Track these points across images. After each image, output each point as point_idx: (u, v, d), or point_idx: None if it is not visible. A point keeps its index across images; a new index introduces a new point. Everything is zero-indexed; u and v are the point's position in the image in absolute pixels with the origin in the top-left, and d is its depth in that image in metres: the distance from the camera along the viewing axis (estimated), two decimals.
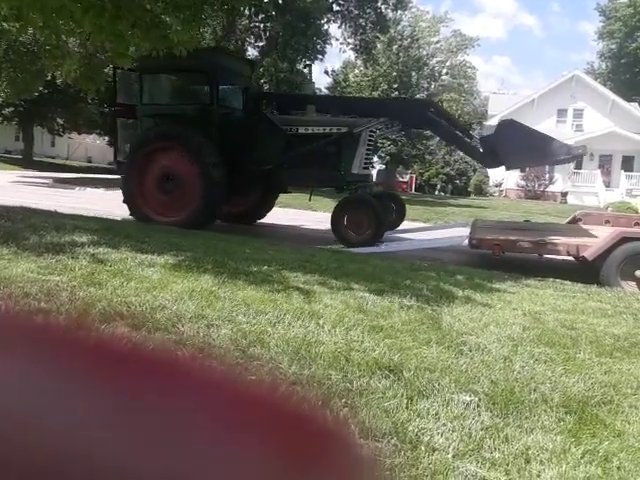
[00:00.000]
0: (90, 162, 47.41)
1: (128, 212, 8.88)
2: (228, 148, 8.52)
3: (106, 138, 45.31)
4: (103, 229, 6.38)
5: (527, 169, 27.36)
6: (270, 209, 10.53)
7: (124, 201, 8.91)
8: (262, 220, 10.39)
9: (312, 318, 3.62)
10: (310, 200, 10.80)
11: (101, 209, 10.20)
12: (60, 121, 38.39)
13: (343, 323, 3.61)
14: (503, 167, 9.26)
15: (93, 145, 53.89)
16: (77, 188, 17.54)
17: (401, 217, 10.12)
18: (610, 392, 2.89)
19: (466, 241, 7.43)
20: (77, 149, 49.71)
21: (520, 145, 8.06)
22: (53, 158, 40.57)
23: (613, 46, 33.62)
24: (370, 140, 8.86)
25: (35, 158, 35.33)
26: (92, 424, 0.27)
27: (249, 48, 27.70)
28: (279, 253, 6.05)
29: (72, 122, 38.05)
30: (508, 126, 8.65)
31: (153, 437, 0.27)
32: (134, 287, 3.93)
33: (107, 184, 19.27)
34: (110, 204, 12.35)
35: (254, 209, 10.10)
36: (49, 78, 21.72)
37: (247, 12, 24.51)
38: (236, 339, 3.10)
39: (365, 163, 8.95)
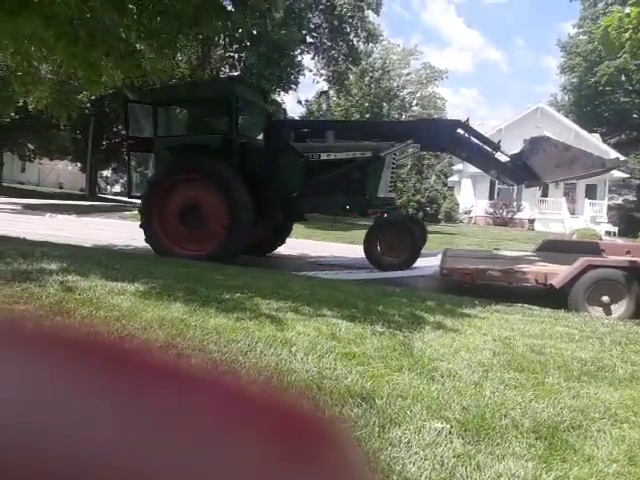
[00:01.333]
0: (61, 188, 46.72)
1: (144, 241, 8.68)
2: (250, 178, 8.43)
3: (78, 164, 44.87)
4: (73, 256, 6.26)
5: (495, 197, 28.06)
6: (284, 240, 10.33)
7: (145, 236, 8.66)
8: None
9: (284, 346, 3.60)
10: (332, 227, 10.94)
11: (72, 236, 10.03)
12: (31, 147, 37.90)
13: (315, 350, 3.59)
14: (522, 185, 9.43)
15: (64, 171, 53.22)
16: (48, 214, 17.23)
17: (423, 242, 9.82)
18: (579, 417, 2.93)
19: (437, 270, 7.55)
20: (48, 175, 48.99)
21: (557, 159, 8.16)
22: (23, 184, 39.86)
23: (574, 80, 35.04)
24: (393, 162, 8.88)
25: (4, 184, 34.64)
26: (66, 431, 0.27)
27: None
28: (252, 279, 6.02)
29: (44, 148, 37.62)
30: (544, 141, 8.68)
31: (130, 440, 0.27)
32: (103, 316, 3.85)
33: (78, 210, 18.98)
34: (82, 230, 12.14)
35: (268, 240, 9.90)
36: (20, 104, 21.48)
37: (222, 42, 24.84)
38: (206, 369, 3.05)
39: (390, 186, 8.97)
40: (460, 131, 8.75)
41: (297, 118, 36.90)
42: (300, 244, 12.95)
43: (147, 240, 8.69)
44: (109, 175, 67.37)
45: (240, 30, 23.16)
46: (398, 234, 8.22)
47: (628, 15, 5.74)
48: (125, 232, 13.01)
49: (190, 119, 10.13)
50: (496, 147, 8.92)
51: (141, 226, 8.78)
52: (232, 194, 8.16)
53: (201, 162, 8.37)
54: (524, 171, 8.47)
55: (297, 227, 13.32)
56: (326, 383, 3.04)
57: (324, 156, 8.61)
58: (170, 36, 7.93)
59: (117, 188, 71.60)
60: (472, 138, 8.78)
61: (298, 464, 0.29)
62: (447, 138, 8.60)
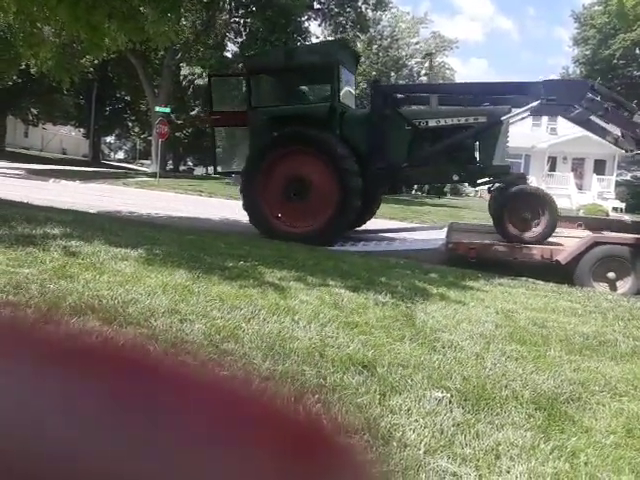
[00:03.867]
0: (65, 154, 46.57)
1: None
2: (354, 148, 7.93)
3: (81, 130, 44.61)
4: (76, 222, 6.26)
5: None
6: (374, 213, 9.67)
7: (250, 217, 8.19)
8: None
9: (287, 314, 3.61)
10: (440, 198, 10.23)
11: (76, 201, 10.01)
12: (34, 111, 37.64)
13: (318, 319, 3.60)
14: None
15: (68, 137, 52.96)
16: (51, 180, 17.18)
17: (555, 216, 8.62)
18: (579, 389, 2.94)
19: (443, 244, 7.51)
20: (51, 140, 48.77)
21: None
22: (27, 149, 39.71)
23: (587, 52, 34.32)
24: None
25: (8, 149, 34.52)
26: (61, 426, 0.26)
27: (228, 43, 27.54)
28: (256, 249, 6.02)
29: (47, 113, 37.38)
30: None
31: (123, 436, 0.26)
32: (106, 281, 3.86)
33: (82, 176, 18.93)
34: (85, 197, 12.13)
35: (359, 214, 8.89)
36: (23, 67, 21.22)
37: (227, 7, 24.34)
38: (209, 334, 3.07)
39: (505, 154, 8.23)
40: (593, 92, 7.72)
41: None
42: None
43: (253, 221, 8.17)
44: (112, 141, 66.97)
45: None
46: (529, 205, 7.29)
47: None
48: (129, 199, 13.00)
49: (288, 88, 9.24)
50: (633, 109, 7.96)
51: (245, 206, 8.22)
52: (343, 165, 7.68)
53: (309, 132, 7.81)
54: None
55: None
56: (328, 351, 3.06)
57: (432, 122, 7.94)
58: None
59: (120, 155, 71.37)
60: (605, 103, 7.67)
61: (277, 462, 0.27)
62: (579, 99, 7.57)
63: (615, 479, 2.07)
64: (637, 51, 31.98)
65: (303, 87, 9.39)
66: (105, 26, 7.69)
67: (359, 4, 26.06)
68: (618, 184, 29.97)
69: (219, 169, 9.64)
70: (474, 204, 23.41)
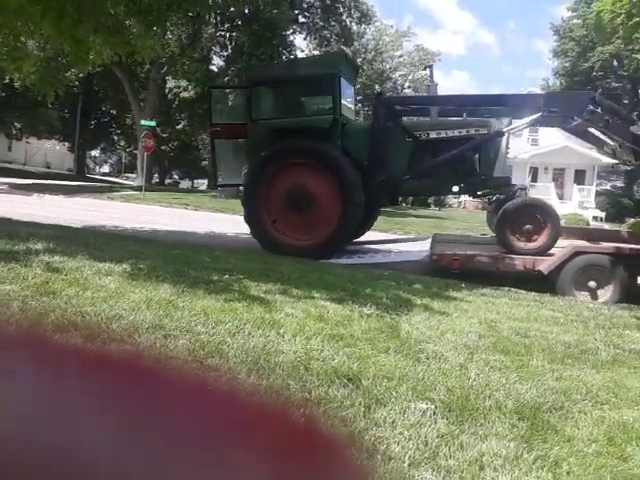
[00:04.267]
0: (49, 168, 46.11)
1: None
2: (356, 160, 7.93)
3: (66, 144, 44.28)
4: (59, 237, 6.21)
5: None
6: (372, 225, 9.69)
7: (252, 230, 8.16)
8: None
9: (272, 327, 3.61)
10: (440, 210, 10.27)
11: (60, 216, 9.93)
12: (18, 125, 37.28)
13: (303, 332, 3.60)
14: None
15: (52, 150, 52.49)
16: (35, 194, 17.03)
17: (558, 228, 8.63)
18: (561, 398, 2.98)
19: (426, 256, 7.57)
20: (36, 154, 48.28)
21: None
22: (10, 163, 39.27)
23: (567, 64, 34.97)
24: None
25: None
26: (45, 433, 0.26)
27: (214, 57, 27.65)
28: (241, 262, 6.02)
29: (31, 126, 37.06)
30: None
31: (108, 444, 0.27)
32: (90, 296, 3.84)
33: (66, 191, 18.78)
34: (69, 211, 12.03)
35: (358, 226, 8.91)
36: (7, 81, 21.09)
37: (213, 20, 24.47)
38: (194, 350, 3.06)
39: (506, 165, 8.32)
40: (594, 104, 7.72)
41: None
42: None
43: (255, 234, 8.12)
44: (97, 155, 66.58)
45: (232, 8, 22.84)
46: (532, 217, 7.30)
47: (620, 0, 5.72)
48: (114, 213, 12.92)
49: (289, 100, 9.26)
50: (632, 120, 8.04)
51: (247, 219, 8.16)
52: (345, 177, 7.67)
53: (311, 145, 7.79)
54: None
55: None
56: (313, 364, 3.06)
57: (434, 134, 7.99)
58: (159, 13, 7.77)
59: (105, 168, 70.91)
60: (605, 115, 7.72)
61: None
62: (580, 111, 7.53)
63: None
64: (615, 63, 32.68)
65: (304, 99, 9.45)
66: (90, 40, 7.69)
67: (343, 18, 26.36)
68: (598, 194, 30.45)
69: (219, 181, 9.62)
70: (457, 215, 23.64)
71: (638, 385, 3.31)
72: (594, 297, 6.51)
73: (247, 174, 8.39)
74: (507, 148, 8.13)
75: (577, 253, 6.65)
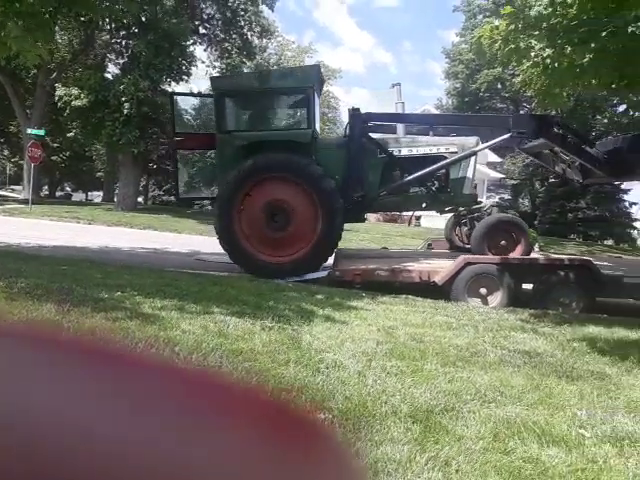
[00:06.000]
0: None
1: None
2: (332, 175, 7.74)
3: None
4: None
5: None
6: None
7: (228, 250, 7.75)
8: (119, 245, 9.78)
9: (167, 345, 3.45)
10: (410, 225, 9.96)
11: None
12: None
13: (201, 349, 3.48)
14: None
15: None
16: None
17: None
18: (452, 399, 3.11)
19: (329, 271, 7.67)
20: None
21: None
22: None
23: (457, 85, 37.39)
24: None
25: None
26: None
27: (109, 64, 26.45)
28: (136, 277, 5.73)
29: None
30: None
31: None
32: None
33: None
34: None
35: None
36: None
37: (107, 27, 23.43)
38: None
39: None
40: (557, 126, 8.24)
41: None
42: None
43: (234, 258, 7.78)
44: None
45: (127, 16, 22.02)
46: (507, 233, 7.73)
47: (497, 27, 6.20)
48: None
49: (260, 111, 8.93)
50: (591, 143, 8.55)
51: (220, 237, 7.80)
52: (326, 188, 7.55)
53: (291, 159, 7.59)
54: (617, 167, 7.98)
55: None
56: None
57: (405, 151, 8.11)
58: (41, 17, 7.24)
59: None
60: (567, 134, 8.29)
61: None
62: (545, 133, 8.00)
63: None
64: (499, 86, 35.43)
65: (276, 111, 9.23)
66: None
67: (245, 31, 26.33)
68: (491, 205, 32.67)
69: (183, 195, 9.07)
70: (359, 227, 24.27)
71: (521, 382, 3.54)
72: (485, 302, 6.96)
73: (221, 187, 7.96)
74: (475, 167, 8.40)
75: (468, 264, 7.10)
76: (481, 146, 8.34)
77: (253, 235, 7.76)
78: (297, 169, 7.61)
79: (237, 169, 7.69)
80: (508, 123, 8.27)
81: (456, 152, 8.20)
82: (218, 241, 7.90)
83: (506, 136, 8.08)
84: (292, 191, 7.74)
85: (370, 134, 8.26)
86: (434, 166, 7.96)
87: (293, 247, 7.70)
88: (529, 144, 8.73)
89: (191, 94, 8.64)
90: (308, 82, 8.03)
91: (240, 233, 7.71)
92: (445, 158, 8.16)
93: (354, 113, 8.41)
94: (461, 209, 9.08)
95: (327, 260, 7.85)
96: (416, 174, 7.92)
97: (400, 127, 8.64)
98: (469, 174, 8.30)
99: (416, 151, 8.19)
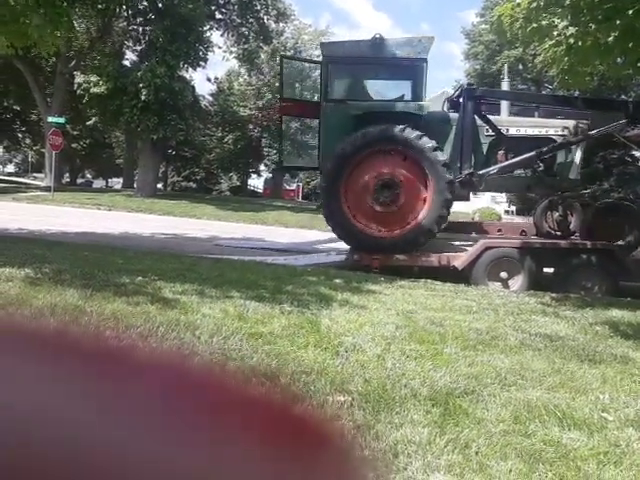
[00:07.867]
0: None
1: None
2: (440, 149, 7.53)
3: None
4: None
5: None
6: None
7: (326, 218, 7.71)
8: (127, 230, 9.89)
9: (188, 329, 3.49)
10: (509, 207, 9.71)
11: None
12: None
13: (221, 332, 3.52)
14: None
15: None
16: None
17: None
18: (472, 383, 3.10)
19: (348, 256, 7.66)
20: None
21: None
22: None
23: (477, 66, 36.73)
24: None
25: None
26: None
27: (127, 51, 26.54)
28: (156, 263, 5.80)
29: None
30: None
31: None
32: None
33: None
34: None
35: None
36: None
37: (124, 14, 23.46)
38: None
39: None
40: None
41: (206, 96, 35.82)
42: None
43: (337, 231, 7.65)
44: (1, 154, 61.93)
45: (144, 2, 22.02)
46: (623, 217, 7.50)
47: (519, 5, 6.04)
48: (19, 215, 12.06)
49: (369, 81, 8.63)
50: None
51: (326, 213, 7.70)
52: (437, 161, 7.34)
53: (404, 132, 7.32)
54: None
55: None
56: (230, 364, 2.99)
57: (513, 131, 7.84)
58: (61, 8, 7.25)
59: (10, 168, 66.15)
60: None
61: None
62: None
63: (502, 464, 2.19)
64: (520, 67, 34.71)
65: (385, 82, 8.92)
66: None
67: (261, 15, 26.12)
68: None
69: (287, 163, 9.08)
70: None
71: (542, 366, 3.51)
72: (505, 286, 6.91)
73: (329, 160, 7.67)
74: (582, 152, 8.07)
75: (487, 248, 7.03)
76: (595, 131, 7.85)
77: (362, 213, 7.58)
78: (409, 142, 7.37)
79: (346, 141, 7.44)
80: (627, 108, 7.81)
81: (565, 135, 7.88)
82: (324, 218, 7.80)
83: (623, 121, 7.62)
84: (402, 166, 7.54)
85: (480, 111, 7.96)
86: (544, 149, 7.57)
87: (400, 223, 7.48)
88: (633, 131, 8.03)
89: (301, 59, 8.47)
90: (423, 53, 7.79)
91: (347, 209, 7.55)
92: (554, 141, 7.83)
93: (468, 88, 8.13)
94: (554, 195, 8.50)
95: (435, 235, 7.61)
96: (526, 155, 7.55)
97: (504, 107, 8.38)
98: (577, 159, 7.99)
99: (524, 131, 7.92)
